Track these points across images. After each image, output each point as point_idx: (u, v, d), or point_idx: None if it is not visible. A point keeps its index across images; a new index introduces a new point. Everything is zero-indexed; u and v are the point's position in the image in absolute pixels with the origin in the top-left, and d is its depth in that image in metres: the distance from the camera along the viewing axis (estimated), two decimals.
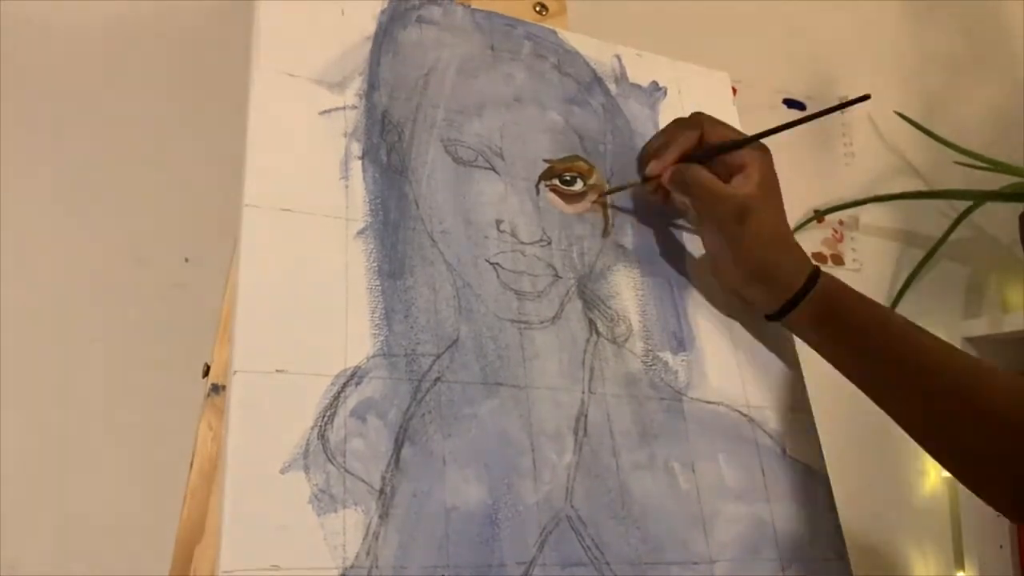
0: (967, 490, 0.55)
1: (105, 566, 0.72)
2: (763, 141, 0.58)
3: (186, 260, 0.86)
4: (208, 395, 0.51)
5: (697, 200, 0.57)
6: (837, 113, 1.34)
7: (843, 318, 0.56)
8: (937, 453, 0.54)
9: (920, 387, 0.54)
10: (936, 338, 0.55)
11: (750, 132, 0.59)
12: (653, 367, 0.56)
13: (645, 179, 0.60)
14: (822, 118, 0.60)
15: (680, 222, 0.64)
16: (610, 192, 0.60)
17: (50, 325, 0.80)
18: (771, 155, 0.58)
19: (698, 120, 0.58)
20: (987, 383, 0.51)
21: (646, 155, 0.60)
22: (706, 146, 0.58)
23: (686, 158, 0.58)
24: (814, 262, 0.58)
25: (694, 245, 0.62)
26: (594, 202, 0.60)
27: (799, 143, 1.26)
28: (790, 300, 0.57)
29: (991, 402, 0.50)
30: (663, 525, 0.50)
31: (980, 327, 1.25)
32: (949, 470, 0.56)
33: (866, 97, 0.57)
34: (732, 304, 0.61)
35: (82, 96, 0.87)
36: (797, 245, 0.58)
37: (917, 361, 0.54)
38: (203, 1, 0.93)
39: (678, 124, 0.59)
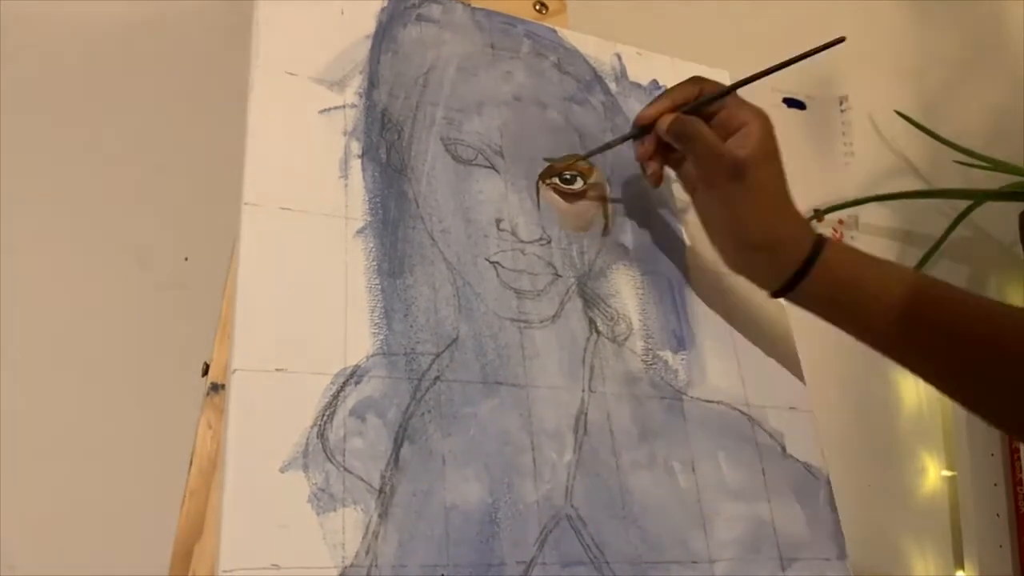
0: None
1: (104, 565, 0.72)
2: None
3: (186, 259, 0.86)
4: (208, 394, 0.51)
5: (694, 154, 0.54)
6: (837, 112, 1.34)
7: (859, 284, 0.52)
8: (989, 413, 0.50)
9: (964, 347, 0.49)
10: (969, 292, 0.51)
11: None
12: (653, 366, 0.56)
13: (637, 131, 0.57)
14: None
15: (680, 219, 0.63)
16: (594, 152, 0.58)
17: (50, 324, 0.80)
18: (771, 122, 0.54)
19: (697, 79, 0.56)
20: None
21: (641, 114, 0.57)
22: (703, 97, 0.55)
23: (680, 110, 0.55)
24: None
25: (696, 243, 0.62)
26: (574, 162, 0.58)
27: (799, 142, 1.26)
28: (796, 272, 0.53)
29: None
30: (663, 524, 0.50)
31: None
32: (1007, 428, 0.51)
33: (842, 39, 0.53)
34: (732, 302, 0.61)
35: (81, 95, 0.87)
36: (799, 213, 0.54)
37: (954, 320, 0.49)
38: (203, 0, 0.93)
39: (677, 84, 0.57)
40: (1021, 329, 0.48)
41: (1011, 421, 0.50)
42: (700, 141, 0.53)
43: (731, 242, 0.55)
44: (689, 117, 0.54)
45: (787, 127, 1.26)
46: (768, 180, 0.53)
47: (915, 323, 0.51)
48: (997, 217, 1.38)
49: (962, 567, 1.19)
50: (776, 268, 0.54)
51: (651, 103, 0.56)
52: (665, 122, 0.55)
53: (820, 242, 0.53)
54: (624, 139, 0.58)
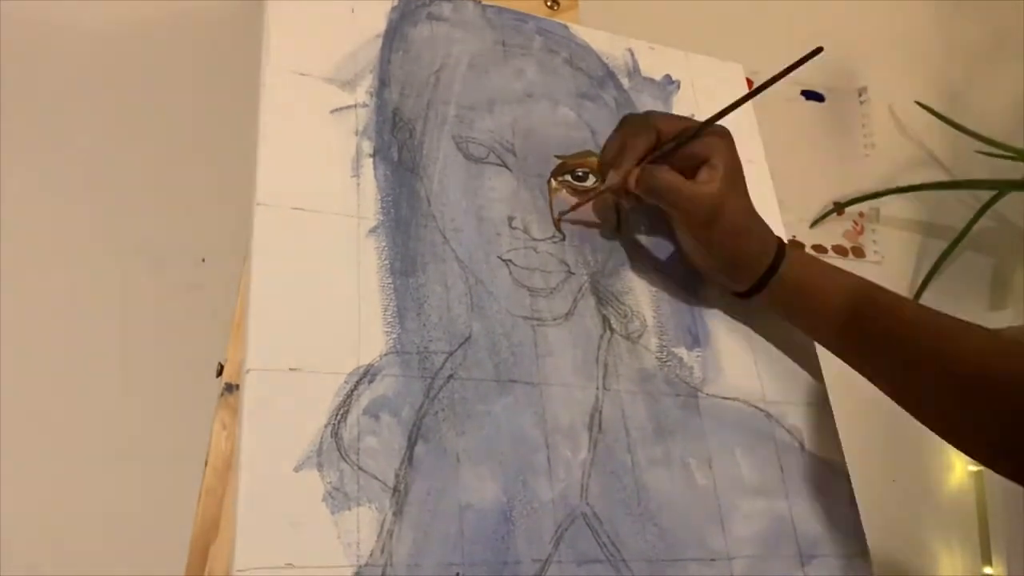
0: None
1: (122, 564, 0.73)
2: (723, 123, 0.55)
3: (203, 260, 0.86)
4: (222, 394, 0.51)
5: (667, 204, 0.54)
6: (856, 104, 1.32)
7: (811, 292, 0.56)
8: (918, 415, 0.54)
9: (894, 352, 0.53)
10: (908, 301, 0.55)
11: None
12: (668, 363, 0.55)
13: (608, 189, 0.56)
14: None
15: None
16: (573, 208, 0.57)
17: (67, 325, 0.80)
18: (732, 137, 0.55)
19: (650, 118, 0.55)
20: (961, 344, 0.51)
21: (603, 162, 0.56)
22: (664, 144, 0.54)
23: (646, 159, 0.54)
24: (778, 236, 0.58)
25: None
26: (558, 219, 0.56)
27: (818, 135, 1.24)
28: (756, 282, 0.57)
29: (964, 363, 0.50)
30: (680, 521, 0.50)
31: (1006, 318, 1.23)
32: (934, 429, 0.54)
33: (819, 50, 0.55)
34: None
35: (97, 98, 0.88)
36: (762, 225, 0.57)
37: (888, 328, 0.54)
38: (215, 1, 0.93)
39: (631, 125, 0.55)
40: (949, 333, 0.52)
41: (942, 422, 0.53)
42: (670, 190, 0.54)
43: (702, 263, 0.58)
44: (655, 168, 0.54)
45: (805, 119, 1.24)
46: (736, 210, 0.55)
47: (857, 328, 0.55)
48: (1021, 206, 1.36)
49: (989, 563, 1.17)
50: (739, 281, 0.58)
51: (614, 163, 0.55)
52: (633, 179, 0.54)
53: (781, 253, 0.57)
54: (597, 195, 0.57)
